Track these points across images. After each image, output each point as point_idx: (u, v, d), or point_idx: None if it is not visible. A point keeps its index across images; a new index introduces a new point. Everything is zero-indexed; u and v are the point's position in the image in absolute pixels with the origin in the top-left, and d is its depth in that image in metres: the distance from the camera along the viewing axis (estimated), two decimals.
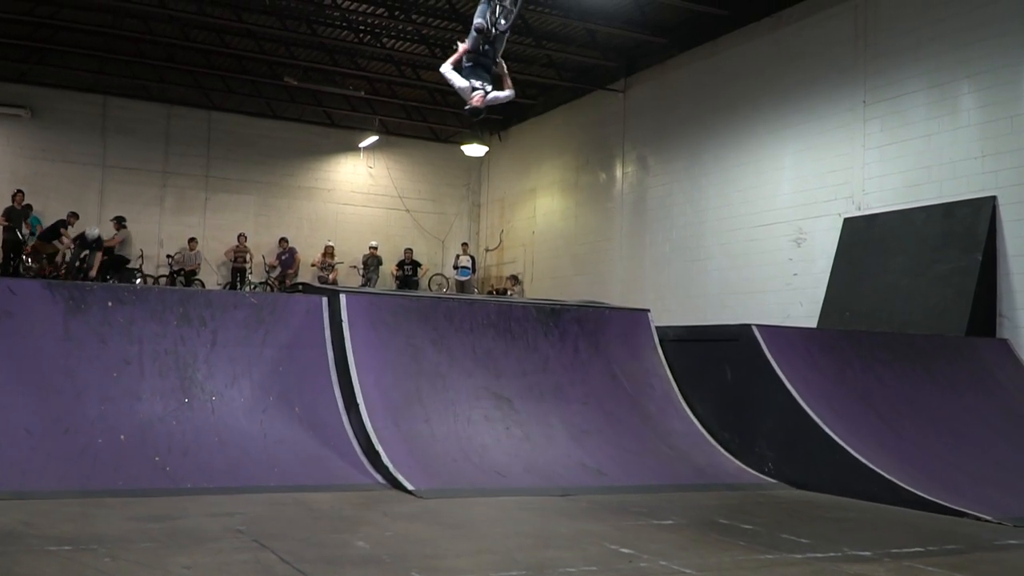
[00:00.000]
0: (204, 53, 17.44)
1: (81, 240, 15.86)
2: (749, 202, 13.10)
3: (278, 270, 18.62)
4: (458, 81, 6.78)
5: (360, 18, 15.57)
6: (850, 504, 5.68)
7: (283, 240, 18.96)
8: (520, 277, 18.96)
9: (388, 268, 19.67)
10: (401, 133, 20.70)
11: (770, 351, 6.69)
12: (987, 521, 5.14)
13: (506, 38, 6.97)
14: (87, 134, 18.23)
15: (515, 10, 6.80)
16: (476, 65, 6.82)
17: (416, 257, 19.83)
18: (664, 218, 14.98)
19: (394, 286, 19.07)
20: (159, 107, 18.81)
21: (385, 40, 16.59)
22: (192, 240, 18.21)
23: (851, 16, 11.69)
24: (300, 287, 8.45)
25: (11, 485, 4.72)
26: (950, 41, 10.31)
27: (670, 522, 4.79)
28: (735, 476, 6.41)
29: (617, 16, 14.53)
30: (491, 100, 6.84)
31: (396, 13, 15.09)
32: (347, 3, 15.03)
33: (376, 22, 15.80)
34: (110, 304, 5.77)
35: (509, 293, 18.13)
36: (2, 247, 15.70)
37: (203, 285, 17.39)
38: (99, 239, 15.87)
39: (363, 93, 18.64)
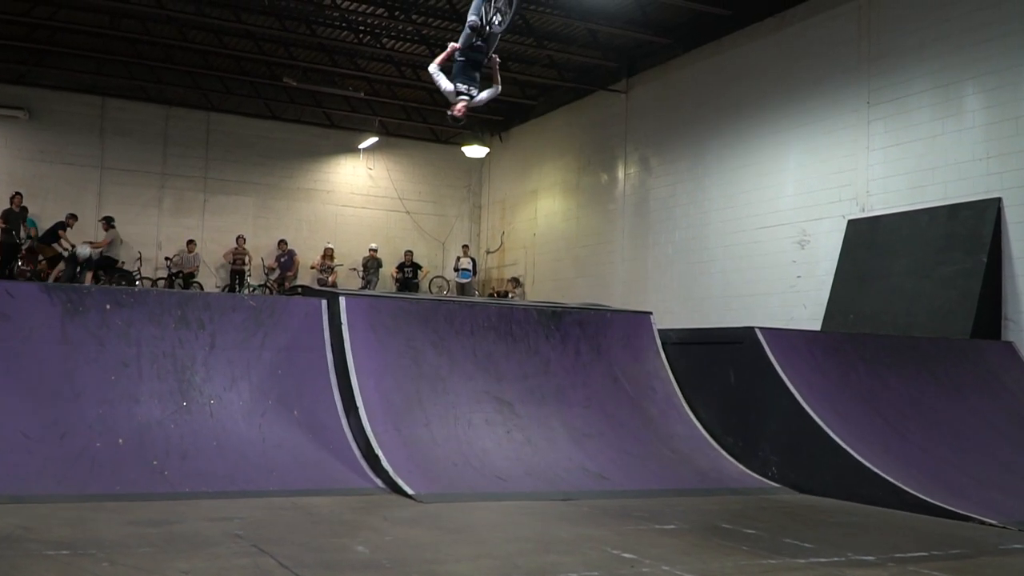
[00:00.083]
0: (203, 54, 17.42)
1: (72, 259, 15.81)
2: (752, 203, 13.05)
3: (277, 272, 18.59)
4: (444, 84, 6.72)
5: (360, 18, 15.54)
6: (854, 508, 5.66)
7: (282, 242, 18.92)
8: (521, 279, 18.93)
9: (388, 270, 19.63)
10: (401, 134, 20.66)
11: (773, 354, 6.66)
12: (992, 525, 5.11)
13: (499, 37, 6.89)
14: (85, 136, 18.20)
15: (511, 12, 6.74)
16: (468, 62, 6.76)
17: (416, 259, 19.79)
18: (666, 220, 14.93)
19: (394, 288, 19.04)
20: (157, 108, 18.78)
21: (385, 40, 16.56)
22: (191, 242, 18.17)
23: (855, 16, 11.64)
24: (299, 289, 8.44)
25: (8, 489, 4.70)
26: (955, 42, 10.26)
27: (672, 527, 4.76)
28: (738, 480, 6.37)
29: (619, 16, 14.49)
30: (476, 103, 6.80)
31: (396, 13, 15.06)
32: (346, 3, 15.00)
33: (376, 22, 15.77)
34: (108, 307, 5.75)
35: (510, 295, 18.10)
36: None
37: (202, 288, 17.35)
38: (90, 258, 15.85)
39: (363, 94, 18.60)
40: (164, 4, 14.82)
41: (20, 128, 17.80)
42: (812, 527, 4.95)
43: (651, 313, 7.80)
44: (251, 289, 17.86)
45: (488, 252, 20.69)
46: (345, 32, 16.20)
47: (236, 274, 18.22)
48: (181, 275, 17.71)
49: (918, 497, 5.51)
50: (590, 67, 16.89)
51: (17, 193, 16.13)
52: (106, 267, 16.00)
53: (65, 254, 16.11)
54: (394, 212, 20.58)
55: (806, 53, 12.33)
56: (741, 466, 6.60)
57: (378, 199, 20.52)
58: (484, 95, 6.84)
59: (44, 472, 4.95)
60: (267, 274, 18.64)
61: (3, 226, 15.60)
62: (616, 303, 12.79)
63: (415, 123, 20.25)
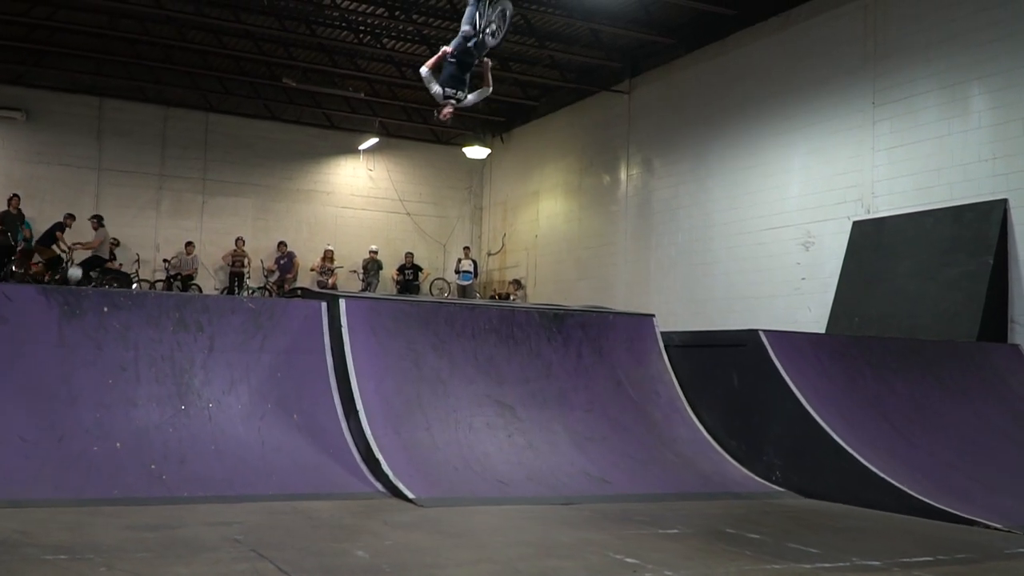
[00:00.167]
0: (201, 54, 17.40)
1: (64, 283, 15.78)
2: (756, 205, 13.00)
3: (276, 275, 18.55)
4: (433, 87, 6.88)
5: (360, 18, 15.51)
6: (859, 513, 5.63)
7: (282, 244, 18.87)
8: (523, 281, 18.89)
9: (388, 272, 19.59)
10: (401, 135, 20.62)
11: (778, 357, 6.63)
12: (998, 530, 5.08)
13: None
14: (83, 137, 18.18)
15: (504, 28, 6.84)
16: (459, 63, 6.86)
17: (417, 261, 19.74)
18: (669, 221, 14.88)
19: (395, 291, 19.01)
20: (156, 109, 18.76)
21: (385, 40, 16.53)
22: (189, 244, 18.12)
23: (860, 15, 11.59)
24: (299, 292, 8.42)
25: (6, 493, 4.68)
26: (961, 41, 10.21)
27: (675, 531, 4.73)
28: (742, 484, 6.34)
29: (622, 16, 14.45)
30: (464, 105, 6.94)
31: (396, 13, 15.03)
32: (346, 3, 14.97)
33: (376, 22, 15.74)
34: (106, 309, 5.72)
35: (512, 298, 18.06)
36: None
37: (200, 290, 17.27)
38: (80, 282, 15.84)
39: (363, 94, 18.57)
40: (163, 4, 14.81)
41: (17, 129, 17.78)
42: (817, 532, 4.92)
43: (654, 316, 7.75)
44: (250, 291, 17.82)
45: (489, 254, 20.66)
46: (345, 32, 16.18)
47: (235, 276, 18.19)
48: (179, 277, 17.64)
49: (923, 501, 5.48)
50: (592, 67, 16.85)
51: (15, 195, 16.11)
52: (95, 265, 15.99)
53: (63, 256, 16.09)
54: (394, 214, 20.54)
55: (811, 53, 12.28)
56: (745, 470, 6.56)
57: (378, 200, 20.48)
58: (472, 97, 6.99)
59: (41, 476, 4.93)
60: (266, 276, 18.59)
61: (0, 228, 15.58)
62: (618, 305, 12.75)
63: (415, 124, 20.20)
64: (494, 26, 6.81)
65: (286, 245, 18.87)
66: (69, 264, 15.76)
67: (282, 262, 18.69)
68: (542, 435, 6.29)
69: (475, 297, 18.84)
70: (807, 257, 12.08)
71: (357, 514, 4.86)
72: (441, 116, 6.97)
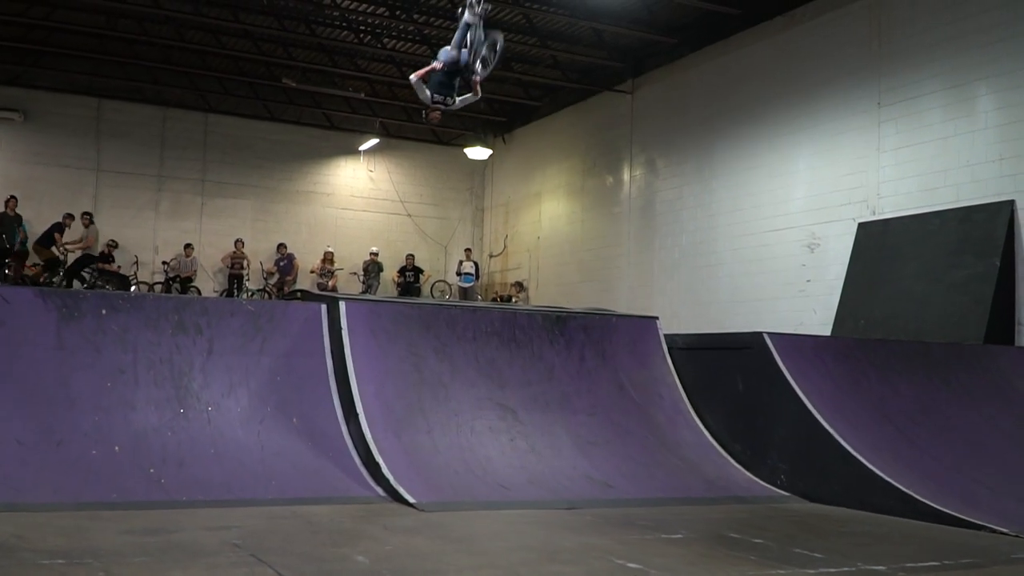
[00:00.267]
0: (200, 54, 17.39)
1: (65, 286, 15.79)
2: (761, 206, 12.96)
3: (276, 277, 18.53)
4: (422, 94, 7.07)
5: (360, 18, 15.49)
6: (865, 517, 5.58)
7: (281, 246, 18.84)
8: (525, 284, 18.86)
9: (389, 275, 19.56)
10: (402, 135, 20.58)
11: (783, 360, 6.57)
12: (1005, 534, 5.01)
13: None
14: (81, 138, 18.17)
15: (494, 61, 7.05)
16: (449, 74, 7.07)
17: (418, 263, 19.70)
18: (673, 223, 14.83)
19: (395, 293, 18.96)
20: (154, 110, 18.75)
21: (386, 40, 16.51)
22: (188, 246, 18.09)
23: (865, 15, 11.54)
24: (299, 294, 8.36)
25: (3, 497, 4.65)
26: (967, 41, 10.16)
27: (679, 536, 4.69)
28: (746, 488, 6.29)
29: (624, 15, 14.41)
30: (452, 109, 7.18)
31: (397, 13, 15.01)
32: (346, 3, 14.96)
33: (376, 22, 15.72)
34: (104, 312, 5.68)
35: (514, 300, 18.04)
36: None
37: (199, 292, 17.27)
38: (73, 283, 15.85)
39: (363, 95, 18.54)
40: (161, 4, 14.80)
41: (15, 130, 17.77)
42: (822, 536, 4.88)
43: (657, 318, 7.71)
44: (250, 294, 17.82)
45: (491, 256, 20.62)
46: (345, 32, 16.16)
47: (234, 278, 18.17)
48: (178, 279, 17.63)
49: (929, 506, 5.43)
50: (595, 67, 16.81)
51: (12, 197, 16.09)
52: (86, 264, 15.99)
53: (61, 258, 16.08)
54: (395, 215, 20.51)
55: (815, 53, 12.24)
56: (749, 474, 6.51)
57: (379, 202, 20.44)
58: (460, 101, 7.17)
59: (39, 480, 4.89)
60: (266, 278, 18.56)
61: None
62: (621, 308, 12.70)
63: (416, 124, 20.13)
64: (484, 58, 6.95)
65: (286, 247, 18.84)
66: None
67: (282, 264, 18.67)
68: (544, 439, 6.24)
69: (477, 299, 18.80)
70: (812, 259, 12.03)
71: (357, 519, 4.82)
72: (429, 118, 7.20)
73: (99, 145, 18.36)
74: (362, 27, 16.09)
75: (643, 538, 4.60)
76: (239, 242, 18.48)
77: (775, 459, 6.50)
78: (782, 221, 12.56)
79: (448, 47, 7.20)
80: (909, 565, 4.14)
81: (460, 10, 7.19)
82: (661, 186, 15.25)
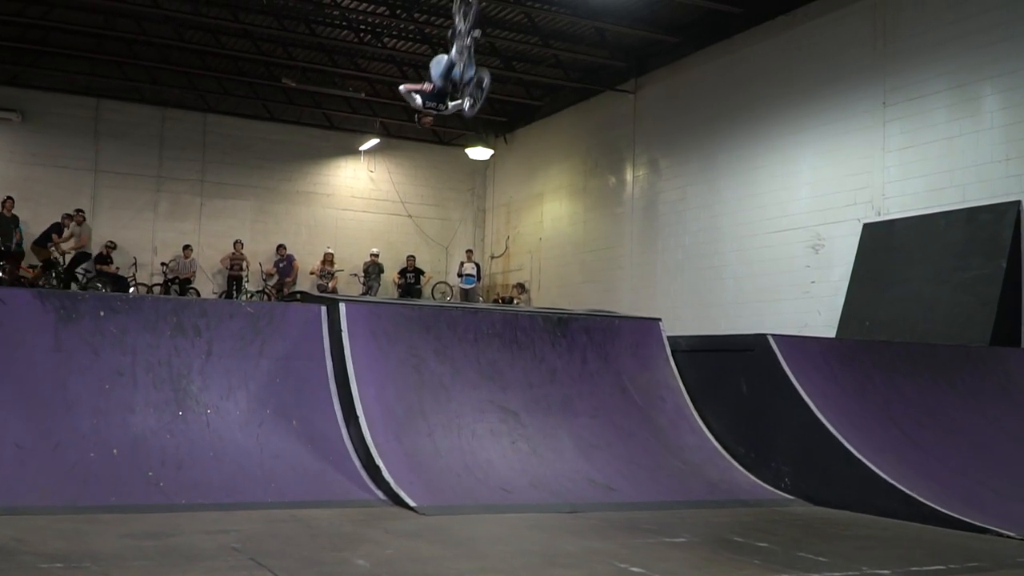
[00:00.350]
0: (199, 54, 17.37)
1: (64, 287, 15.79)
2: (765, 207, 12.91)
3: (276, 278, 18.51)
4: (413, 102, 7.26)
5: (360, 17, 15.47)
6: (869, 520, 5.55)
7: (281, 247, 18.81)
8: (527, 285, 18.81)
9: (390, 276, 19.52)
10: (403, 136, 20.52)
11: (787, 362, 6.54)
12: (1011, 537, 4.98)
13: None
14: (79, 138, 18.14)
15: (481, 99, 7.16)
16: (440, 93, 7.27)
17: (419, 264, 19.66)
18: (676, 223, 14.78)
19: (396, 295, 18.94)
20: (153, 110, 18.72)
21: (386, 40, 16.49)
22: (187, 247, 18.06)
23: (869, 14, 11.50)
24: (298, 296, 8.34)
25: (1, 500, 4.63)
26: (972, 41, 10.12)
27: (682, 540, 4.66)
28: (750, 492, 6.25)
29: (627, 14, 14.38)
30: (444, 115, 7.31)
31: (397, 12, 14.99)
32: (347, 2, 14.93)
33: (377, 21, 15.69)
34: (102, 314, 5.65)
35: (515, 302, 18.00)
36: None
37: (198, 294, 17.24)
38: (70, 283, 15.86)
39: (363, 94, 18.51)
40: (160, 4, 14.78)
41: (13, 131, 17.75)
42: (826, 540, 4.85)
43: (660, 320, 7.67)
44: (249, 295, 17.79)
45: (492, 257, 20.58)
46: (345, 31, 16.14)
47: (233, 280, 18.15)
48: (177, 281, 17.60)
49: (935, 509, 5.39)
50: (597, 67, 16.77)
51: (9, 198, 16.06)
52: (80, 262, 15.99)
53: (60, 259, 16.07)
54: (396, 216, 20.47)
55: (819, 52, 12.19)
56: (753, 477, 6.48)
57: (379, 202, 20.40)
58: (452, 106, 7.28)
59: (37, 483, 4.87)
60: (265, 280, 18.53)
61: None
62: (624, 309, 12.65)
63: (417, 124, 20.13)
64: (471, 95, 7.04)
65: (285, 248, 18.81)
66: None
67: (281, 265, 18.64)
68: (546, 442, 6.21)
69: (478, 301, 18.76)
70: (817, 260, 11.98)
71: (357, 522, 4.80)
72: (422, 123, 7.45)
73: (97, 145, 18.33)
74: (362, 26, 16.07)
75: (646, 542, 4.57)
76: (238, 243, 18.46)
77: (779, 462, 6.46)
78: (786, 222, 12.52)
79: (440, 57, 7.28)
80: (914, 569, 4.11)
81: (450, 33, 7.27)
82: (664, 186, 15.21)
